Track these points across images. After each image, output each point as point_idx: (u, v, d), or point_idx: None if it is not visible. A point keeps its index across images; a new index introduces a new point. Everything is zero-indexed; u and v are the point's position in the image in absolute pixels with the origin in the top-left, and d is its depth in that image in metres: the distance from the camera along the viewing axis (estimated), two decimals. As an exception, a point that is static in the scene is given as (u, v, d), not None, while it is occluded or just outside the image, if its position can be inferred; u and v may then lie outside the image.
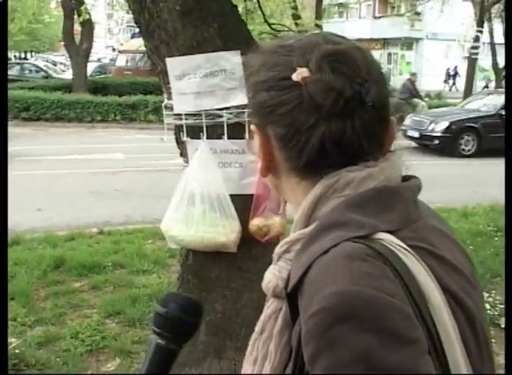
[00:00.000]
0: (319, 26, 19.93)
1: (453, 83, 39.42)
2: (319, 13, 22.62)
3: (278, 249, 0.99)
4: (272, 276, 1.00)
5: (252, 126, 1.00)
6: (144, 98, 19.05)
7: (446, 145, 15.01)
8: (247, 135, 2.73)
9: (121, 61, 26.64)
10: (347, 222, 0.88)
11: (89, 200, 9.17)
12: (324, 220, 0.91)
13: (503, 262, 5.69)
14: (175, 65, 2.71)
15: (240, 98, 2.73)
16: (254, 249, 2.92)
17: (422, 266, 0.86)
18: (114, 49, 55.61)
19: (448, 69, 39.86)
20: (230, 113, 2.73)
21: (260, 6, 4.50)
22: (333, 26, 29.42)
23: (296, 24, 14.50)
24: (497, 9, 24.82)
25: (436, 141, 15.09)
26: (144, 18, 2.69)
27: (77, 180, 10.54)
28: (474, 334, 0.90)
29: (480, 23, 22.21)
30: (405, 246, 0.87)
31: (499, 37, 24.96)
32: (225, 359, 2.94)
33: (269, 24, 4.58)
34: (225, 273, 2.93)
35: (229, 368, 2.93)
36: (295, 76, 0.91)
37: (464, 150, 15.11)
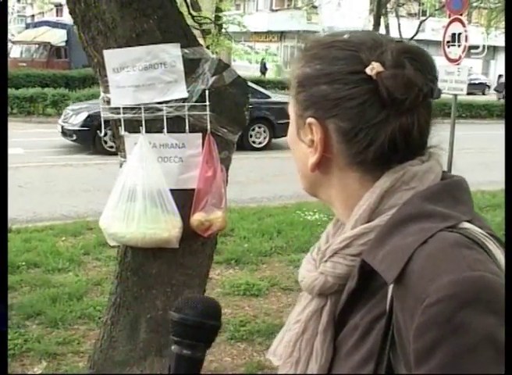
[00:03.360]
0: (220, 18, 20.02)
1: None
2: (219, 6, 22.64)
3: (335, 245, 0.96)
4: (318, 274, 0.97)
5: (310, 119, 0.97)
6: (41, 90, 18.36)
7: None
8: (187, 129, 2.69)
9: (15, 52, 25.62)
10: (431, 214, 0.89)
11: (-8, 197, 8.77)
12: (400, 213, 0.91)
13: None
14: (113, 57, 2.62)
15: (180, 92, 2.68)
16: (193, 244, 2.89)
17: (501, 254, 0.89)
18: (5, 40, 53.48)
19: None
20: (170, 107, 2.68)
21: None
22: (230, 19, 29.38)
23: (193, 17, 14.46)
24: (392, 4, 25.63)
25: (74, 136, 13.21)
26: (80, 8, 2.59)
27: (-23, 177, 10.05)
28: None
29: (377, 18, 22.81)
30: (486, 234, 0.89)
31: (395, 32, 25.86)
32: (167, 357, 2.89)
33: (193, 17, 4.52)
34: (166, 269, 2.87)
35: (171, 365, 2.89)
36: (369, 71, 0.91)
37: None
